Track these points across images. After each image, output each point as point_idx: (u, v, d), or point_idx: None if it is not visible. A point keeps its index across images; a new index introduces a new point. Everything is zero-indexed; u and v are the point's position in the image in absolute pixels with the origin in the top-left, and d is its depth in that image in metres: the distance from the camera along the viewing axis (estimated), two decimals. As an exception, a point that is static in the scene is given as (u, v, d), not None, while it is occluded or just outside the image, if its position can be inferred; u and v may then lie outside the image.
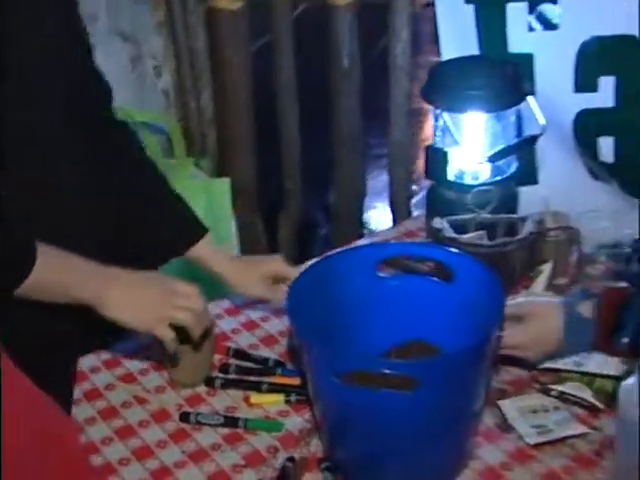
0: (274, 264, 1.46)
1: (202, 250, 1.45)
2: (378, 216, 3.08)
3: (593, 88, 1.93)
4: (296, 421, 1.28)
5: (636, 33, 1.85)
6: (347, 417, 1.13)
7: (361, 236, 2.48)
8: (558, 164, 1.95)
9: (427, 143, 1.65)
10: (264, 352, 1.43)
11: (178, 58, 2.32)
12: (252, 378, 1.36)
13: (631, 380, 1.04)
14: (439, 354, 1.22)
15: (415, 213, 2.32)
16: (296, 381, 1.32)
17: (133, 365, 1.43)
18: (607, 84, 1.93)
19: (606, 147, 1.99)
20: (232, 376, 1.37)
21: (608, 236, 1.55)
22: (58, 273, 1.19)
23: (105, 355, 1.45)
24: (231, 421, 1.28)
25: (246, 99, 2.31)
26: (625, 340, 1.01)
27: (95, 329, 1.32)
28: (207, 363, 1.38)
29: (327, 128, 2.31)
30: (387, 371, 1.04)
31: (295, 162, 2.37)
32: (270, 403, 1.31)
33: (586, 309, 1.21)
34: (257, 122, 2.36)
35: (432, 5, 1.98)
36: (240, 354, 1.41)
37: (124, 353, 1.45)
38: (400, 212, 2.29)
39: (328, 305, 1.23)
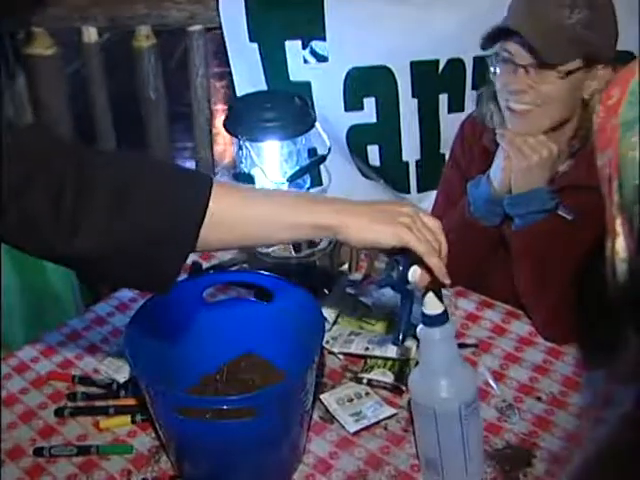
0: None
1: None
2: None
3: (360, 107, 1.84)
4: (144, 440, 1.07)
5: (386, 63, 1.77)
6: (191, 443, 0.94)
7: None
8: (338, 169, 1.83)
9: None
10: (107, 375, 1.18)
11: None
12: (99, 403, 1.13)
13: (416, 371, 0.96)
14: (277, 384, 1.02)
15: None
16: (139, 400, 1.09)
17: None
18: (370, 104, 1.83)
19: (373, 154, 1.90)
20: (80, 403, 1.13)
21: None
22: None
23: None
24: (84, 450, 1.05)
25: (67, 130, 2.00)
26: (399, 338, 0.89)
27: None
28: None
29: (142, 148, 2.05)
30: (224, 407, 0.86)
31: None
32: (118, 426, 1.09)
33: None
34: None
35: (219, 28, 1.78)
36: (85, 380, 1.17)
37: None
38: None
39: (165, 336, 1.02)
